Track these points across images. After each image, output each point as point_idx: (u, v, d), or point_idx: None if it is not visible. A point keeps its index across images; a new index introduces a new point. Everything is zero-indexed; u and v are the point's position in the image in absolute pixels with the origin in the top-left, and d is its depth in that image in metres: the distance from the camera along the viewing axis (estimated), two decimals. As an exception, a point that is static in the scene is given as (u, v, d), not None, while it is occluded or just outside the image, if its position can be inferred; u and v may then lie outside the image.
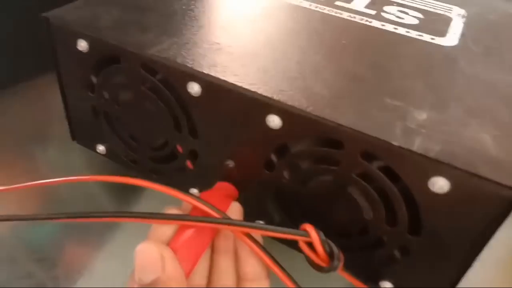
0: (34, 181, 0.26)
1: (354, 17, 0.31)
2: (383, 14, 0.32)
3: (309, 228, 0.20)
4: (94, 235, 0.32)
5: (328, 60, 0.25)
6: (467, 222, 0.20)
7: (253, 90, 0.22)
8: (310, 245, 0.20)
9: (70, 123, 0.32)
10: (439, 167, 0.19)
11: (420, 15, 0.33)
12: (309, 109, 0.21)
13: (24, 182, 0.26)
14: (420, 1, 0.36)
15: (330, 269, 0.19)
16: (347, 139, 0.21)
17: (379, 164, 0.21)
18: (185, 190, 0.22)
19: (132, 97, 0.27)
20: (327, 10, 0.32)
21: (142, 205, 0.33)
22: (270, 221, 0.26)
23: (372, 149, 0.20)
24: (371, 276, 0.24)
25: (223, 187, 0.26)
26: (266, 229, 0.21)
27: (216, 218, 0.21)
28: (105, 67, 0.27)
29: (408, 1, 0.35)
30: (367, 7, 0.33)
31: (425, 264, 0.22)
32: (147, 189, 0.22)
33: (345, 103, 0.22)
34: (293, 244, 0.21)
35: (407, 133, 0.20)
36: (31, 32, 0.41)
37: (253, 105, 0.22)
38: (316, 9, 0.32)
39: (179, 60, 0.23)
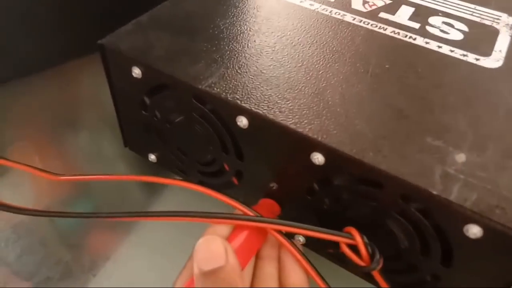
0: (66, 165, 0.28)
1: (398, 33, 0.31)
2: (427, 27, 0.32)
3: (353, 231, 0.22)
4: (122, 222, 0.35)
5: (371, 90, 0.26)
6: (496, 267, 0.21)
7: (299, 130, 0.23)
8: (352, 247, 0.22)
9: (122, 132, 0.35)
10: (474, 216, 0.20)
11: (465, 28, 0.32)
12: (352, 152, 0.22)
13: (56, 165, 0.28)
14: (467, 8, 0.35)
15: (370, 269, 0.21)
16: (387, 182, 0.22)
17: (417, 205, 0.22)
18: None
19: (182, 120, 0.29)
20: (371, 25, 0.32)
21: (169, 194, 0.35)
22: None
23: (411, 193, 0.22)
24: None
25: (267, 204, 0.28)
26: (313, 230, 0.22)
27: (264, 218, 0.23)
28: (157, 92, 0.28)
29: (454, 9, 0.35)
30: (411, 19, 0.33)
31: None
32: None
33: (387, 144, 0.23)
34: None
35: (446, 179, 0.21)
36: (63, 14, 0.42)
37: (298, 142, 0.24)
38: (360, 23, 0.32)
39: (229, 96, 0.25)
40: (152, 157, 0.34)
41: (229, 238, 0.23)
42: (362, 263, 0.22)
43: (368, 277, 0.26)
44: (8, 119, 0.42)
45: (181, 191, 0.34)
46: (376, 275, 0.23)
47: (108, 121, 0.37)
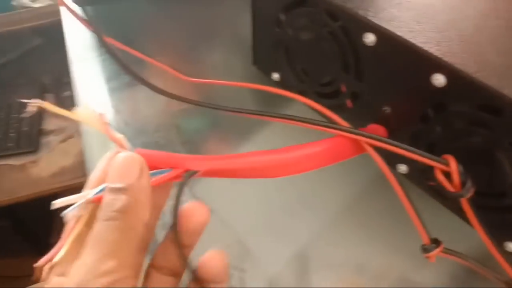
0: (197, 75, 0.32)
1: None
2: None
3: (450, 158, 0.22)
4: (237, 133, 0.39)
5: (509, 28, 0.26)
6: None
7: (425, 48, 0.24)
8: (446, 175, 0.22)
9: (254, 51, 0.38)
10: None
11: None
12: (476, 75, 0.22)
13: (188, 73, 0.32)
14: None
15: (459, 195, 0.22)
16: (507, 109, 0.22)
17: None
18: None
19: (311, 37, 0.31)
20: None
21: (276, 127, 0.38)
22: (411, 166, 0.29)
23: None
24: (496, 235, 0.26)
25: (375, 129, 0.30)
26: (409, 151, 0.23)
27: (361, 131, 0.25)
28: (293, 8, 0.31)
29: None
30: None
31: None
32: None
33: (515, 74, 0.23)
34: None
35: None
36: None
37: (422, 62, 0.24)
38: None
39: (360, 11, 0.26)
40: (276, 75, 0.37)
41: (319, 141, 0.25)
42: (452, 189, 0.22)
43: (460, 212, 0.27)
44: (149, 32, 0.47)
45: (285, 127, 0.36)
46: (465, 203, 0.23)
47: (241, 41, 0.41)
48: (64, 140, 0.81)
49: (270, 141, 0.37)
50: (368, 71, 0.28)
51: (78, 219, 0.18)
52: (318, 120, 0.25)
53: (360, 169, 0.34)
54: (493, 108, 0.23)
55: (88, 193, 0.18)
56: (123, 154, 0.19)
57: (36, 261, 0.19)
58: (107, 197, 0.18)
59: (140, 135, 0.39)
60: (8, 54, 0.90)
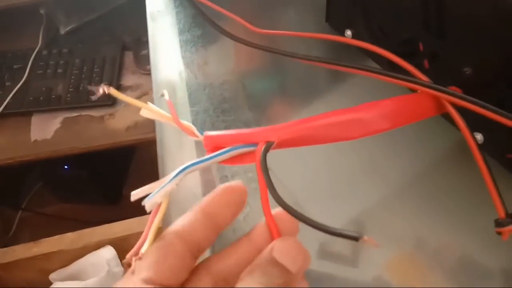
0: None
1: None
2: None
3: None
4: (303, 96, 0.38)
5: None
6: None
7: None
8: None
9: (328, 6, 0.37)
10: None
11: None
12: None
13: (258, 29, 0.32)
14: None
15: None
16: None
17: None
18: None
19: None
20: None
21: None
22: (488, 135, 0.27)
23: None
24: None
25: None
26: (492, 111, 0.22)
27: (443, 88, 0.23)
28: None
29: None
30: None
31: None
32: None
33: None
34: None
35: None
36: None
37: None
38: None
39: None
40: (349, 32, 0.35)
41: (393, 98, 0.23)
42: None
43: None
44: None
45: (354, 88, 0.35)
46: None
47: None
48: (139, 97, 0.85)
49: (338, 105, 0.36)
50: (450, 27, 0.26)
51: (158, 207, 0.19)
52: (397, 74, 0.23)
53: (432, 137, 0.32)
54: None
55: (164, 182, 0.19)
56: (291, 240, 0.18)
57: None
58: (270, 267, 0.18)
59: (206, 88, 0.40)
60: (95, 11, 0.95)
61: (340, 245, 0.31)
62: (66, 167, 0.98)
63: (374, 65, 0.33)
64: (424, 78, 0.23)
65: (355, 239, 0.16)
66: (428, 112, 0.24)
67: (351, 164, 0.34)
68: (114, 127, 0.82)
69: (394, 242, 0.30)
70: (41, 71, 0.89)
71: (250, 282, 0.17)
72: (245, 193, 0.20)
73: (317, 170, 0.34)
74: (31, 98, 0.85)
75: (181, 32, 0.44)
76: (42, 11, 0.95)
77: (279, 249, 0.18)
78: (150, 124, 0.81)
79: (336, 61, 0.26)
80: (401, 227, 0.31)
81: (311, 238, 0.31)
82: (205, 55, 0.43)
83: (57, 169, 0.98)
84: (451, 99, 0.23)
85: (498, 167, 0.27)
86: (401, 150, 0.34)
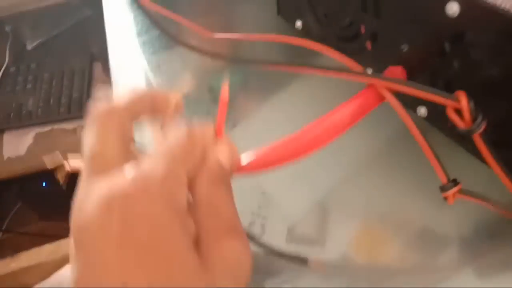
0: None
1: None
2: None
3: (461, 94, 0.22)
4: (267, 87, 0.39)
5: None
6: None
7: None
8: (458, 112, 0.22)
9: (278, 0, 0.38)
10: None
11: None
12: (491, -1, 0.21)
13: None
14: None
15: (469, 131, 0.21)
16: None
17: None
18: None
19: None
20: None
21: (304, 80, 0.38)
22: (430, 108, 0.28)
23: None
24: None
25: (394, 71, 0.29)
26: (418, 88, 0.23)
27: (377, 74, 0.24)
28: None
29: None
30: None
31: None
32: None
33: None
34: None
35: None
36: None
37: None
38: None
39: None
40: (298, 23, 0.37)
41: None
42: (462, 125, 0.22)
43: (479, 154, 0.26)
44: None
45: (311, 80, 0.36)
46: (477, 139, 0.22)
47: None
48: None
49: (297, 98, 0.37)
50: (385, 7, 0.28)
51: None
52: (334, 70, 0.25)
53: (385, 118, 0.33)
54: (510, 34, 0.21)
55: None
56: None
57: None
58: (217, 163, 0.20)
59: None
60: (61, 25, 0.95)
61: (306, 228, 0.32)
62: (44, 184, 0.98)
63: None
64: (357, 67, 0.25)
65: (303, 262, 0.17)
66: (376, 102, 0.26)
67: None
68: (88, 138, 0.82)
69: (358, 218, 0.32)
70: (10, 88, 0.89)
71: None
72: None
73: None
74: (2, 116, 0.85)
75: (139, 34, 0.45)
76: (7, 28, 0.94)
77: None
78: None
79: (283, 63, 0.27)
80: (364, 205, 0.32)
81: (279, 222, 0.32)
82: (166, 55, 0.44)
83: (34, 186, 0.97)
84: (383, 84, 0.24)
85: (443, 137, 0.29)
86: (359, 132, 0.35)
